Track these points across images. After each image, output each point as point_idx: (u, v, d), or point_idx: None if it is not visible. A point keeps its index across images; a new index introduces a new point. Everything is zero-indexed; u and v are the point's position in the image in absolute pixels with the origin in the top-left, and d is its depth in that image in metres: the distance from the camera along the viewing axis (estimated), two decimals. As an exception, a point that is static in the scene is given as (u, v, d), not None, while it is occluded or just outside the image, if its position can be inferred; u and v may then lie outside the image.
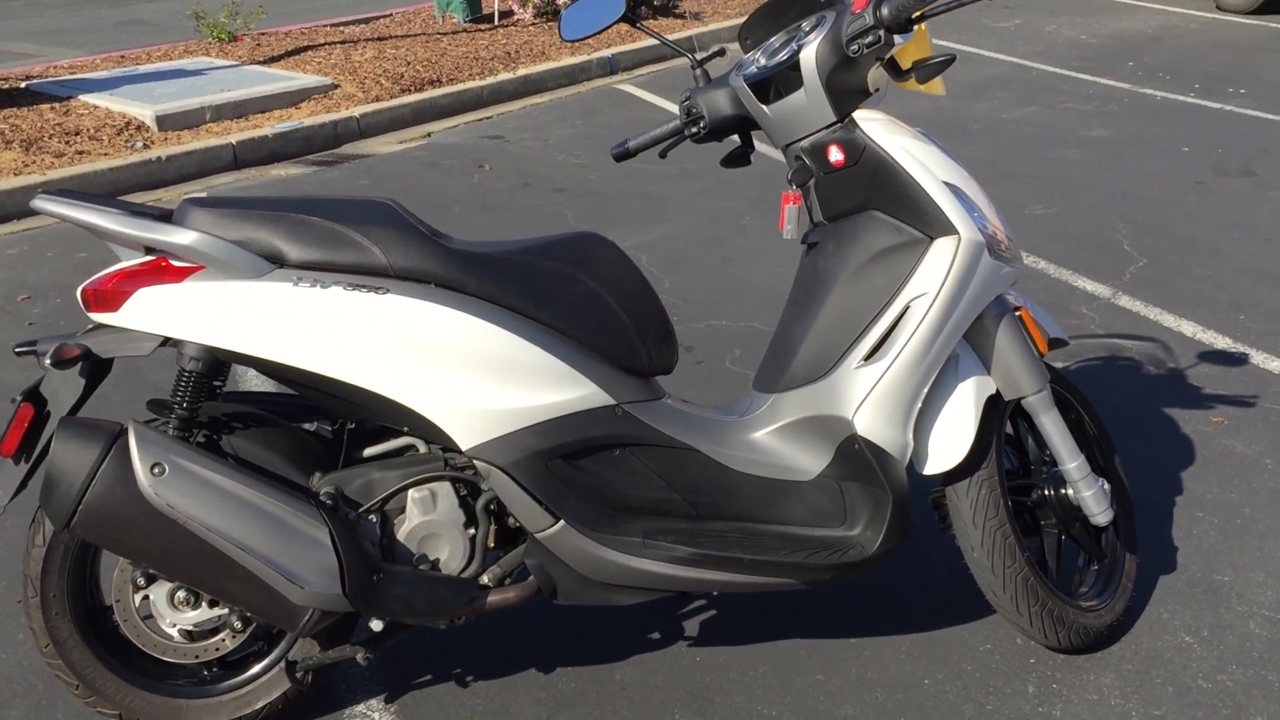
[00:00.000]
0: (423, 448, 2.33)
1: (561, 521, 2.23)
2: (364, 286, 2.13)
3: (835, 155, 2.30)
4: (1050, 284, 4.60)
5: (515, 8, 9.45)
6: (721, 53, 2.59)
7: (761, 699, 2.45)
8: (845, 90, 2.31)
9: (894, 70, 2.32)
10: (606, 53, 8.60)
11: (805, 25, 2.38)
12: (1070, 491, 2.50)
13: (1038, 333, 2.45)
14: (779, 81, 2.34)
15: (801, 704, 2.44)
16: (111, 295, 2.16)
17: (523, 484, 2.21)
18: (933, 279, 2.27)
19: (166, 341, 2.19)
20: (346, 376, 2.13)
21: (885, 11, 2.18)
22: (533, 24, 9.36)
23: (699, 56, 2.55)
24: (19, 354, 2.26)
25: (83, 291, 2.20)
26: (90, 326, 2.25)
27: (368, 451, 2.33)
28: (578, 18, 2.61)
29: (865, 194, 2.30)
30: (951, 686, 2.47)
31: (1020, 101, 7.51)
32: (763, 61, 2.41)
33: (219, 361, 2.20)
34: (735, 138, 2.58)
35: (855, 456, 2.30)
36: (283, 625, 2.18)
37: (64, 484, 2.06)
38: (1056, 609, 2.45)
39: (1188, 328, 4.19)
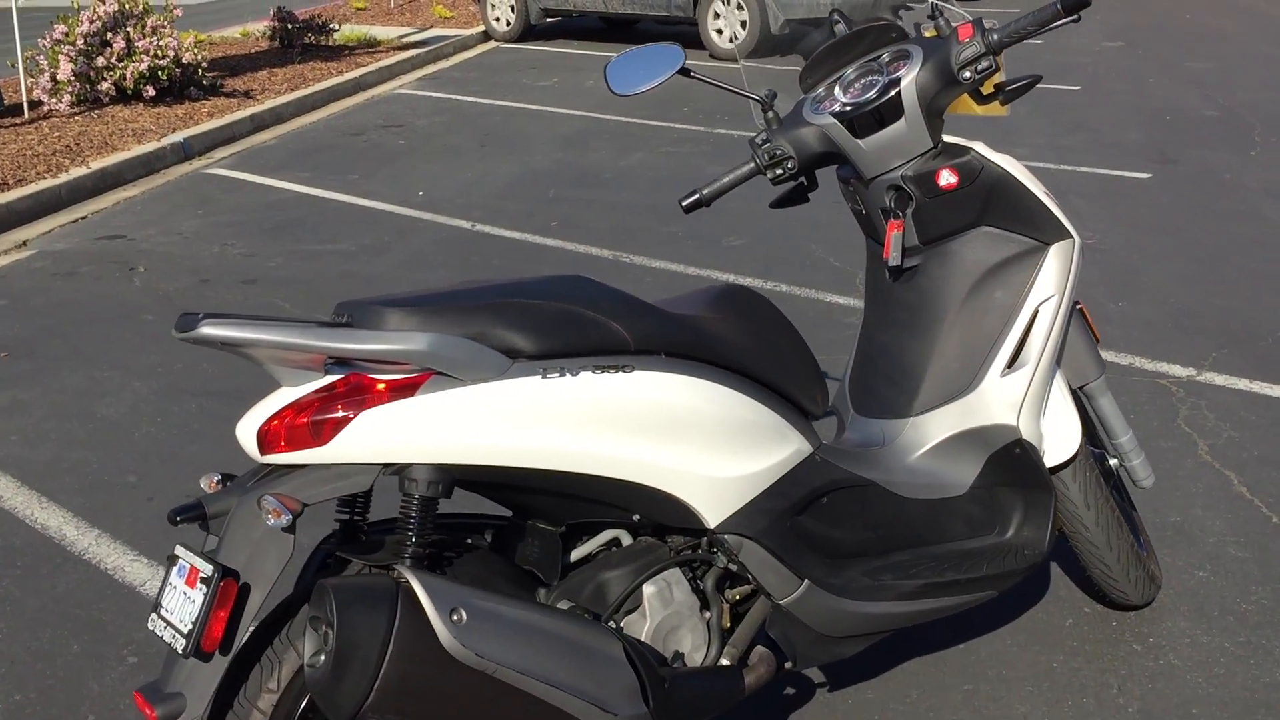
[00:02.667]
0: (626, 539, 2.13)
1: (806, 582, 2.15)
2: (610, 367, 1.93)
3: (947, 179, 2.39)
4: (800, 303, 4.94)
5: (44, 97, 8.41)
6: (774, 95, 2.59)
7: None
8: (936, 117, 2.42)
9: (976, 95, 2.46)
10: (177, 137, 7.92)
11: (884, 58, 2.45)
12: (1115, 462, 2.76)
13: (1093, 324, 2.68)
14: (874, 114, 2.39)
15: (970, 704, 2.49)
16: (312, 429, 1.78)
17: (773, 550, 2.10)
18: (1055, 282, 2.43)
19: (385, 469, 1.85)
20: (594, 468, 1.92)
21: (995, 38, 2.31)
22: (72, 114, 8.38)
23: (760, 99, 2.53)
24: (180, 522, 1.81)
25: (259, 432, 1.79)
26: (264, 472, 1.85)
27: (573, 555, 2.10)
28: (629, 72, 2.51)
29: (978, 212, 2.41)
30: (1075, 662, 2.64)
31: (625, 150, 7.92)
32: (845, 98, 2.45)
33: (451, 482, 1.88)
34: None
35: (1015, 461, 2.40)
36: None
37: (358, 661, 1.69)
38: (1147, 569, 2.70)
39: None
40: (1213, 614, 2.79)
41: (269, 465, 1.88)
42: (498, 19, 12.73)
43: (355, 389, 1.83)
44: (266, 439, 1.83)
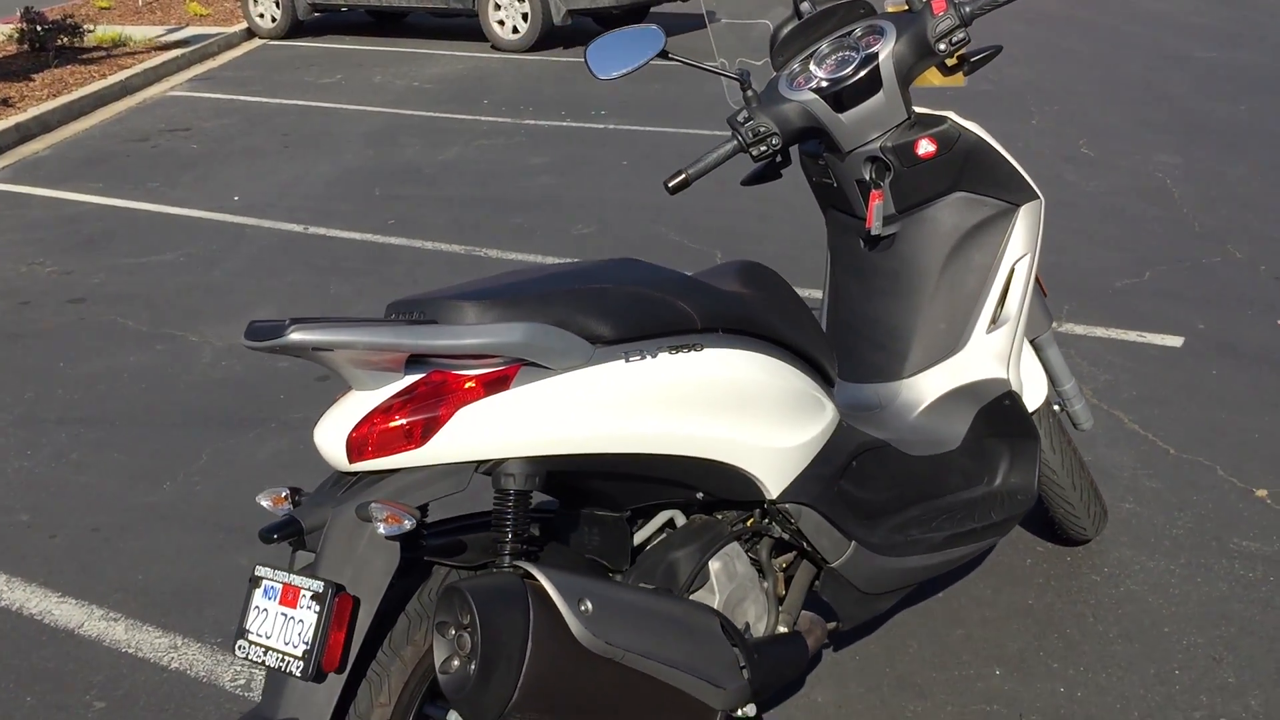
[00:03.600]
0: (680, 519, 2.15)
1: (853, 543, 2.21)
2: (683, 347, 1.93)
3: (926, 148, 2.49)
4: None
5: None
6: (749, 74, 2.62)
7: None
8: (907, 88, 2.51)
9: (942, 67, 2.57)
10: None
11: (857, 33, 2.53)
12: (1057, 407, 2.94)
13: (1042, 281, 2.85)
14: (854, 89, 2.47)
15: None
16: (407, 432, 1.72)
17: (826, 515, 2.16)
18: (1027, 241, 2.56)
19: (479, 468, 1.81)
20: (673, 448, 1.93)
21: (968, 10, 2.43)
22: None
23: (738, 78, 2.55)
24: (277, 540, 1.72)
25: (350, 439, 1.72)
26: (351, 480, 1.78)
27: (635, 539, 2.10)
28: (609, 56, 2.50)
29: (954, 178, 2.52)
30: (1047, 598, 2.81)
31: (438, 145, 7.78)
32: (822, 74, 2.51)
33: (544, 475, 1.84)
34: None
35: (1004, 412, 2.53)
36: None
37: (502, 660, 1.64)
38: (1101, 504, 2.90)
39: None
40: (1150, 540, 3.02)
41: (354, 473, 1.80)
42: (261, 15, 12.23)
43: (440, 387, 1.77)
44: (355, 445, 1.75)
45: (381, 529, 1.69)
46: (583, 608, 1.74)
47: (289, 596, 1.74)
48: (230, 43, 12.10)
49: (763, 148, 2.52)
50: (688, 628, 1.88)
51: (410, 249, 5.70)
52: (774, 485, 2.08)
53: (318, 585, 1.69)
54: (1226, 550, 2.96)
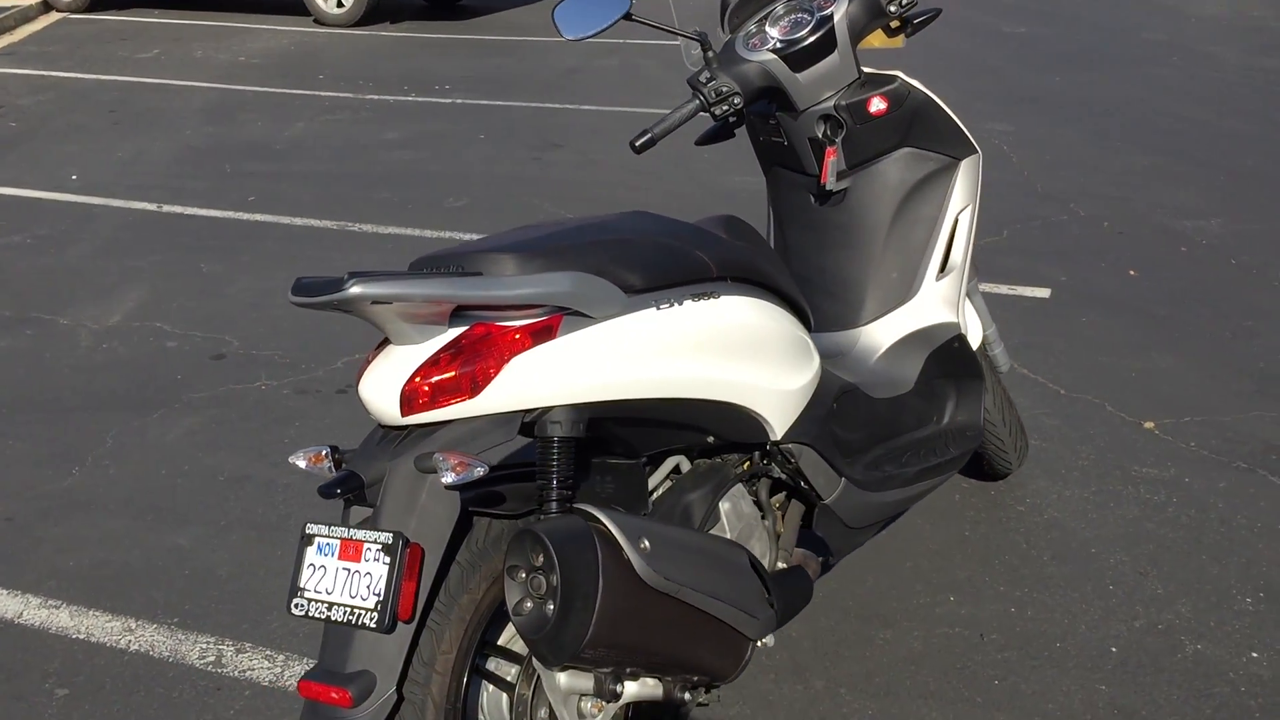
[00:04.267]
0: (685, 464, 2.23)
1: (843, 480, 2.33)
2: (704, 295, 2.01)
3: (878, 105, 2.61)
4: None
5: None
6: (706, 35, 2.69)
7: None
8: (856, 48, 2.64)
9: (886, 28, 2.70)
10: None
11: None
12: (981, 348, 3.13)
13: (970, 230, 3.02)
14: (810, 49, 2.57)
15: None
16: (460, 382, 1.74)
17: (822, 454, 2.27)
18: (968, 192, 2.72)
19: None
20: (698, 392, 2.01)
21: (917, -28, 2.56)
22: None
23: (698, 38, 2.62)
24: (341, 496, 1.72)
25: (404, 392, 1.74)
26: (403, 434, 1.79)
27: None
28: (576, 15, 2.53)
29: (902, 134, 2.65)
30: (981, 529, 3.00)
31: (282, 120, 7.57)
32: (777, 35, 2.60)
33: (586, 422, 1.88)
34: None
35: (953, 355, 2.69)
36: (724, 674, 1.99)
37: (579, 599, 1.69)
38: (1025, 438, 3.11)
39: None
40: (1061, 472, 3.25)
41: (402, 428, 1.81)
42: (61, -13, 11.58)
43: (487, 339, 1.79)
44: (408, 398, 1.76)
45: (450, 478, 1.70)
46: (642, 545, 1.80)
47: (349, 551, 1.74)
48: (27, 16, 11.40)
49: (725, 107, 2.60)
50: (725, 562, 1.96)
51: (279, 225, 5.55)
52: (779, 426, 2.18)
53: (386, 537, 1.70)
54: (1130, 477, 3.22)
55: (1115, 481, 3.20)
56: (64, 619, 2.73)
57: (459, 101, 8.08)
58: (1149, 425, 3.49)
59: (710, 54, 2.63)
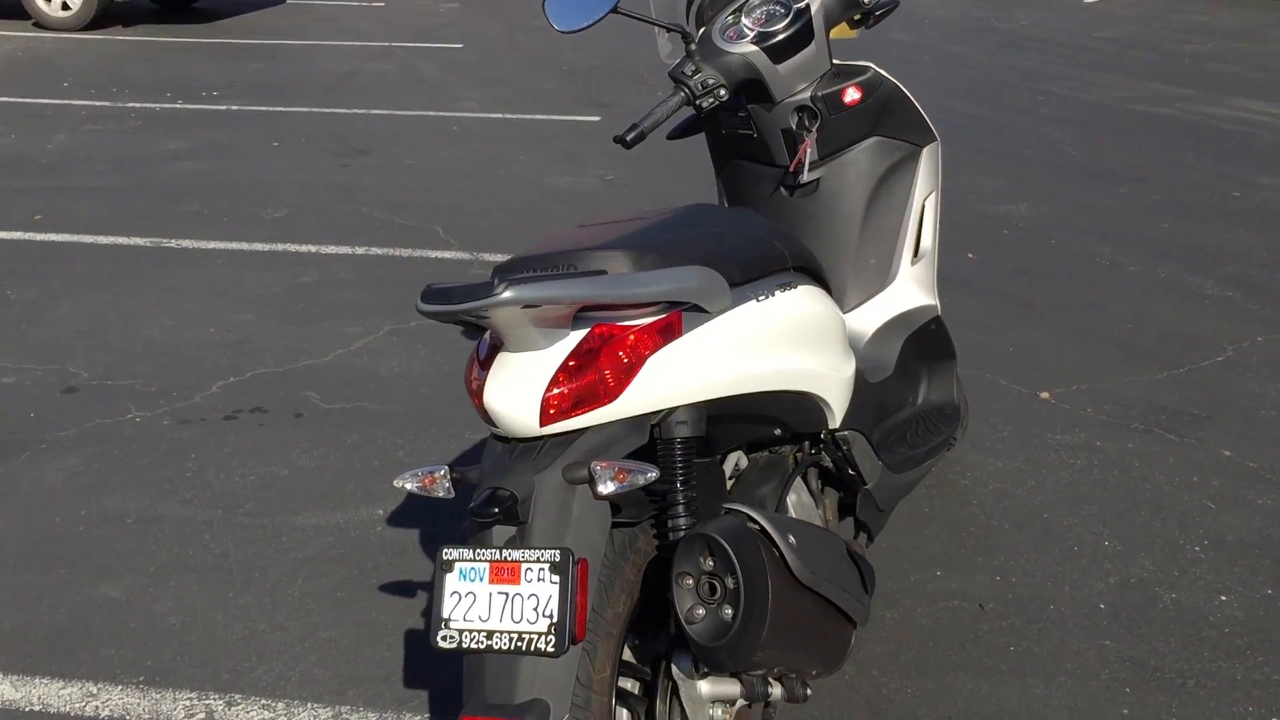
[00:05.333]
0: (744, 460, 2.20)
1: (881, 464, 2.35)
2: (786, 285, 2.00)
3: (852, 95, 2.65)
4: (399, 264, 4.88)
5: None
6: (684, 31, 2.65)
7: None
8: (829, 40, 2.67)
9: (851, 19, 2.74)
10: None
11: None
12: None
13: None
14: (790, 40, 2.58)
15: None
16: (593, 389, 1.68)
17: (869, 439, 2.29)
18: (932, 177, 2.80)
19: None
20: (781, 384, 2.00)
21: (889, -37, 2.62)
22: None
23: (683, 31, 2.58)
24: (495, 518, 1.61)
25: (544, 401, 1.65)
26: (540, 444, 1.69)
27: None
28: (565, 9, 2.46)
29: (873, 123, 2.70)
30: (931, 494, 3.11)
31: (41, 132, 6.95)
32: (753, 26, 2.60)
33: (705, 420, 1.83)
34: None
35: (931, 336, 2.76)
36: (836, 664, 1.97)
37: (757, 602, 1.64)
38: (966, 403, 3.22)
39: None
40: (986, 445, 3.40)
41: (531, 439, 1.70)
42: None
43: (614, 340, 1.71)
44: (550, 406, 1.66)
45: (611, 487, 1.62)
46: (790, 541, 1.76)
47: (504, 574, 1.62)
48: None
49: (711, 100, 2.57)
50: (837, 552, 1.94)
51: (80, 245, 5.09)
52: (839, 413, 2.18)
53: (552, 555, 1.59)
54: (1049, 445, 3.40)
55: (1038, 450, 3.38)
56: (7, 691, 2.41)
57: (233, 108, 7.65)
58: (1045, 395, 3.71)
59: (694, 47, 2.60)
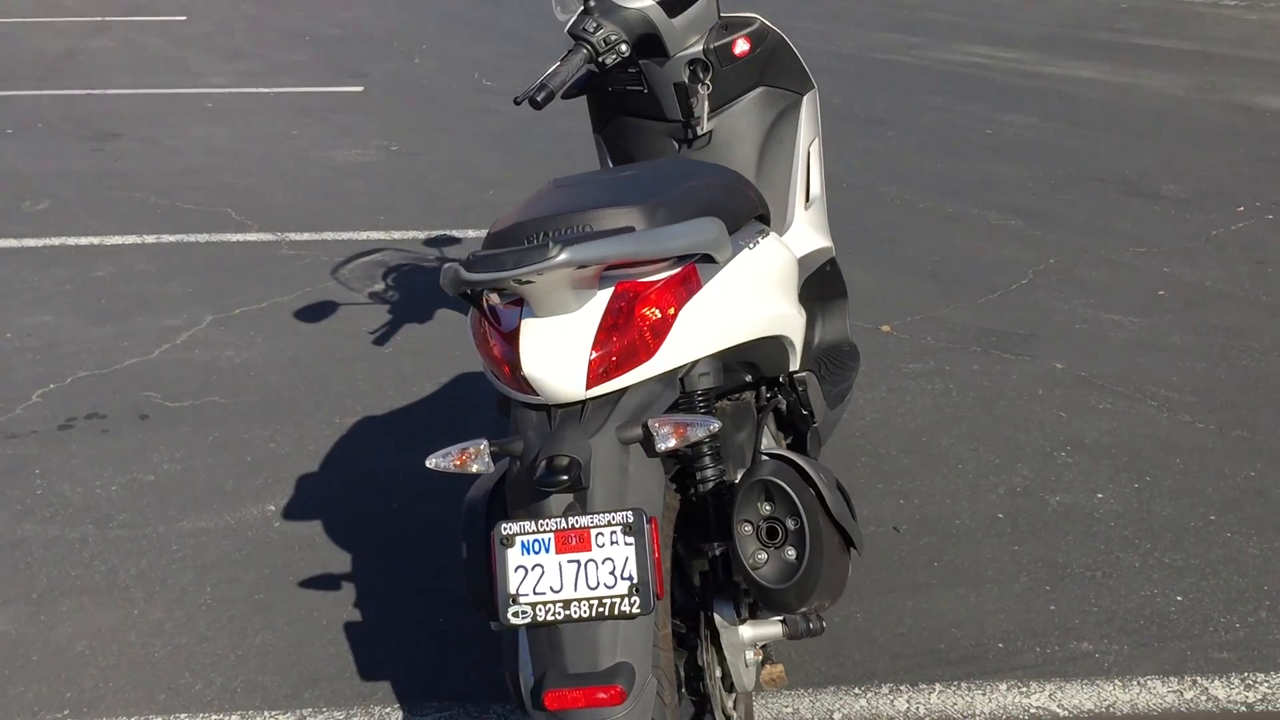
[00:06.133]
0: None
1: (825, 401, 2.44)
2: (763, 233, 2.05)
3: (742, 47, 2.69)
4: (222, 249, 4.61)
5: None
6: None
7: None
8: None
9: (726, -30, 2.78)
10: None
11: None
12: None
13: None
14: None
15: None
16: (634, 346, 1.69)
17: (819, 377, 2.36)
18: (814, 124, 2.88)
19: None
20: (767, 330, 2.03)
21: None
22: None
23: None
24: (565, 489, 1.58)
25: (591, 364, 1.65)
26: (579, 408, 1.67)
27: None
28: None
29: (759, 73, 2.75)
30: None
31: None
32: None
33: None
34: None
35: (826, 277, 2.85)
36: (840, 593, 2.02)
37: (815, 541, 1.69)
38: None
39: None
40: (847, 381, 3.56)
41: (569, 403, 1.67)
42: None
43: (637, 297, 1.70)
44: (597, 367, 1.64)
45: (672, 442, 1.61)
46: (822, 479, 1.80)
47: (571, 541, 1.58)
48: None
49: (614, 56, 2.56)
50: (838, 485, 2.00)
51: None
52: (797, 356, 2.24)
53: (625, 516, 1.57)
54: (904, 374, 3.60)
55: (896, 378, 3.56)
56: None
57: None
58: (886, 329, 3.91)
59: (592, 3, 2.57)
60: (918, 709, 2.25)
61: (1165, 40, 8.19)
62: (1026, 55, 7.95)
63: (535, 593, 1.57)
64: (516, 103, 2.54)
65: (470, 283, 1.56)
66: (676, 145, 2.75)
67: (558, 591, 1.57)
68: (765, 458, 1.80)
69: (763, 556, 1.68)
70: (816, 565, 1.68)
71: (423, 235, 4.80)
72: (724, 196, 1.93)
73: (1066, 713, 2.23)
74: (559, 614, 1.57)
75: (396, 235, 4.79)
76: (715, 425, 1.62)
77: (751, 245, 1.94)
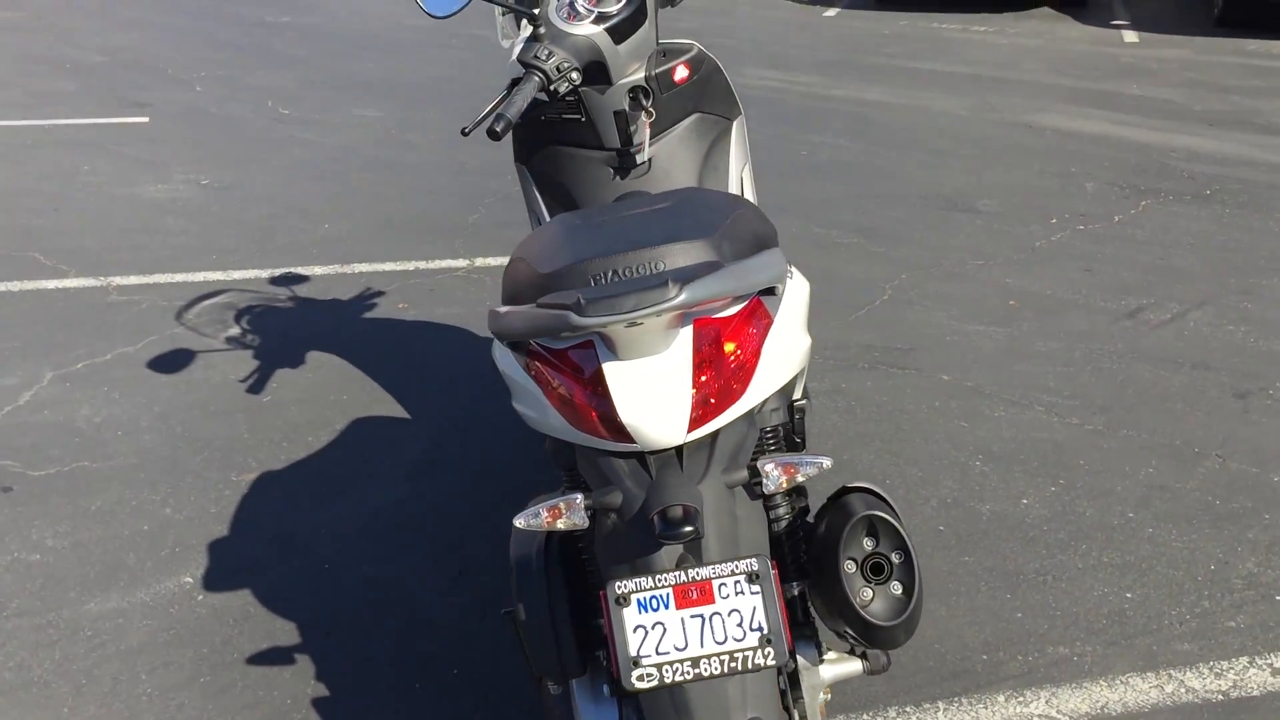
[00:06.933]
0: None
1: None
2: (789, 262, 2.01)
3: (681, 73, 2.65)
4: (56, 296, 4.19)
5: None
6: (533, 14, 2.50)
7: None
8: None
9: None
10: None
11: None
12: None
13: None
14: (630, 20, 2.54)
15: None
16: (728, 386, 1.65)
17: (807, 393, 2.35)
18: (745, 149, 2.86)
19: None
20: (802, 361, 2.00)
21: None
22: None
23: (533, 15, 2.44)
24: (684, 538, 1.52)
25: (694, 406, 1.60)
26: (672, 455, 1.62)
27: None
28: (433, -6, 2.27)
29: (695, 100, 2.71)
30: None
31: None
32: (588, 5, 2.52)
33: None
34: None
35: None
36: None
37: (919, 575, 1.67)
38: None
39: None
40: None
41: (661, 450, 1.60)
42: None
43: (717, 335, 1.65)
44: (699, 409, 1.58)
45: (782, 483, 1.56)
46: (895, 505, 1.78)
47: (692, 595, 1.50)
48: None
49: (566, 84, 2.47)
50: None
51: None
52: (803, 382, 2.21)
53: (749, 564, 1.50)
54: (811, 392, 3.62)
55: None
56: None
57: None
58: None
59: (543, 30, 2.47)
60: (933, 729, 2.25)
61: (934, 64, 8.67)
62: (814, 79, 8.24)
63: (658, 653, 1.48)
64: (465, 133, 2.41)
65: (583, 326, 1.46)
66: (614, 174, 2.68)
67: (682, 650, 1.48)
68: (850, 492, 1.76)
69: (869, 594, 1.64)
70: (921, 597, 1.65)
71: (264, 274, 4.52)
72: (759, 225, 1.88)
73: (1066, 717, 2.28)
74: (688, 673, 1.48)
75: (236, 275, 4.49)
76: (827, 463, 1.57)
77: (790, 276, 1.90)
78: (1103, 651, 2.47)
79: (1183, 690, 2.35)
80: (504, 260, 4.66)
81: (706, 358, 1.60)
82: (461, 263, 4.62)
